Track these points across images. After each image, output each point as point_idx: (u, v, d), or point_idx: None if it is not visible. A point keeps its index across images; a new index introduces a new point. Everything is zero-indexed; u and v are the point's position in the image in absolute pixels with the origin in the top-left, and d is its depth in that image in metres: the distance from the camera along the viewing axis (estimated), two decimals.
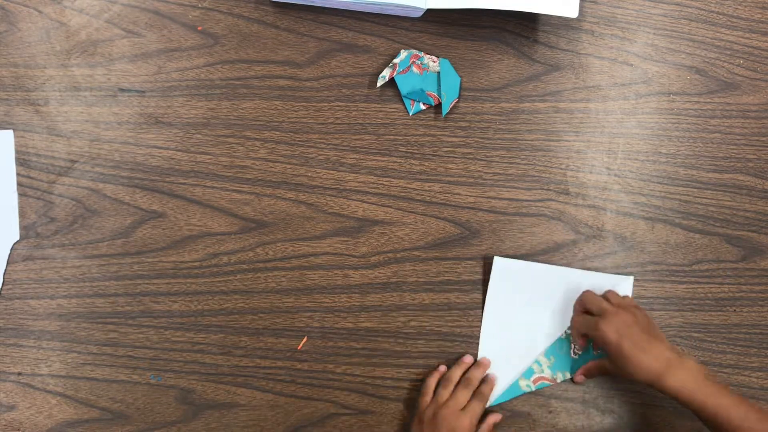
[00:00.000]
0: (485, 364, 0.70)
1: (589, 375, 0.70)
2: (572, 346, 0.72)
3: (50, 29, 0.67)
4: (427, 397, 0.68)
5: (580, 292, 0.71)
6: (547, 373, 0.71)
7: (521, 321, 0.72)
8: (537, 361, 0.71)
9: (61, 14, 0.67)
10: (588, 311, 0.69)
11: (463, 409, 0.66)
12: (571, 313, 0.72)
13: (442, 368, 0.70)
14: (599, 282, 0.72)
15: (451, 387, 0.68)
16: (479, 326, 0.72)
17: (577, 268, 0.72)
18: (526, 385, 0.71)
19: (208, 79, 0.69)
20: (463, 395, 0.67)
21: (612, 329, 0.63)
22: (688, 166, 0.75)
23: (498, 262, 0.70)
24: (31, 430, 0.67)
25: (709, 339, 0.75)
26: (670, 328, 0.74)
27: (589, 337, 0.68)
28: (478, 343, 0.72)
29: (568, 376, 0.71)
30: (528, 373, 0.71)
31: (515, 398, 0.71)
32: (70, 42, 0.68)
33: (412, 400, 0.71)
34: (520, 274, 0.71)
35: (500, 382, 0.71)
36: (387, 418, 0.70)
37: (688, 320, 0.74)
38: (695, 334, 0.74)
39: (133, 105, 0.68)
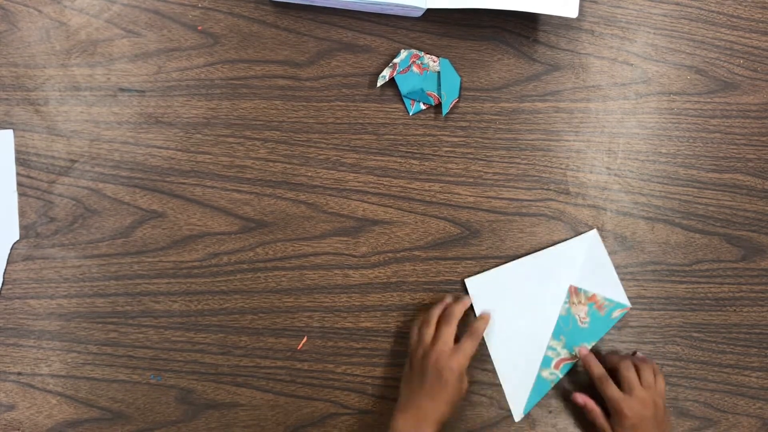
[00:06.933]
0: (467, 301, 0.68)
1: (590, 406, 0.68)
2: (577, 316, 0.71)
3: (50, 29, 0.67)
4: (415, 339, 0.66)
5: (554, 269, 0.71)
6: (564, 353, 0.71)
7: (519, 322, 0.71)
8: (550, 347, 0.71)
9: (61, 14, 0.67)
10: (611, 368, 0.68)
11: (454, 347, 0.64)
12: (559, 280, 0.71)
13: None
14: (568, 252, 0.72)
15: (433, 325, 0.66)
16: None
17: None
18: (550, 374, 0.70)
19: (208, 78, 0.69)
20: (448, 332, 0.65)
21: (632, 413, 0.64)
22: (688, 165, 0.75)
23: (470, 283, 0.71)
24: (31, 430, 0.67)
25: (709, 339, 0.75)
26: (670, 328, 0.74)
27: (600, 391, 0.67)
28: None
29: (587, 344, 0.71)
30: (546, 362, 0.71)
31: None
32: (70, 42, 0.67)
33: None
34: (494, 282, 0.71)
35: (525, 382, 0.71)
36: (387, 418, 0.70)
37: (688, 320, 0.74)
38: (695, 334, 0.74)
39: (133, 105, 0.68)
